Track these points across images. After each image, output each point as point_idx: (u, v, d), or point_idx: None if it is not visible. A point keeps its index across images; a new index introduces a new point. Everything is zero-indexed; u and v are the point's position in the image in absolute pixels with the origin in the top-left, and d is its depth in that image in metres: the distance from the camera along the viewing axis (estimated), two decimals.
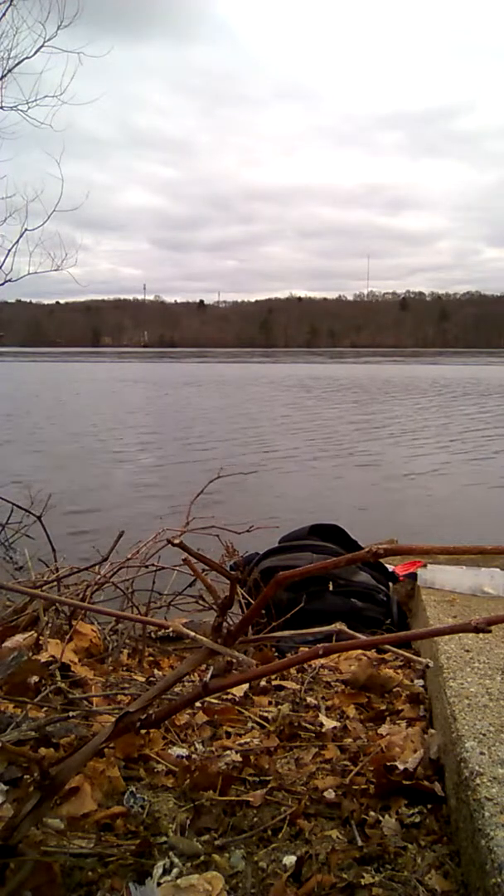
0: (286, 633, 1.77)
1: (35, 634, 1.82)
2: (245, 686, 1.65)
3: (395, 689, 1.67)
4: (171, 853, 1.01)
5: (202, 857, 1.01)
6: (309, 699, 1.61)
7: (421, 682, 1.70)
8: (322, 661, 1.85)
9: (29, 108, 7.50)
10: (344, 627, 1.21)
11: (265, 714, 1.52)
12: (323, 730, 1.43)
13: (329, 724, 1.46)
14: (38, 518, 3.10)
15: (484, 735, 1.13)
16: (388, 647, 1.49)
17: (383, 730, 1.43)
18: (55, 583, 2.28)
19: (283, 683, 1.73)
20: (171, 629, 1.15)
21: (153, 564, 2.36)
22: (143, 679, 1.72)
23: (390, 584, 2.48)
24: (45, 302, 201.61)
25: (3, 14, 7.31)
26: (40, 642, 1.78)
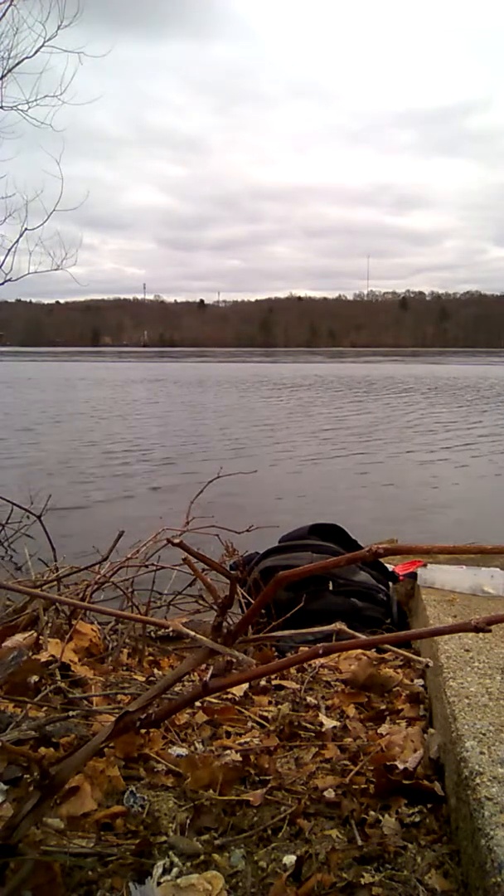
0: (286, 632, 1.78)
1: (35, 634, 1.82)
2: (245, 686, 1.65)
3: (395, 689, 1.67)
4: (170, 852, 1.01)
5: (202, 857, 1.01)
6: (309, 699, 1.61)
7: (421, 681, 1.70)
8: (322, 660, 1.85)
9: (29, 107, 7.52)
10: (344, 627, 1.21)
11: (265, 714, 1.52)
12: (323, 729, 1.43)
13: (329, 723, 1.46)
14: (38, 518, 3.11)
15: (484, 734, 1.13)
16: (388, 646, 1.49)
17: (383, 729, 1.43)
18: (55, 582, 2.29)
19: (283, 683, 1.73)
20: (171, 629, 1.15)
21: (153, 564, 2.37)
22: (143, 679, 1.72)
23: (390, 583, 2.48)
24: (45, 301, 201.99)
25: (4, 14, 7.32)
26: (40, 642, 1.78)
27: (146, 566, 2.35)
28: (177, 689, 1.51)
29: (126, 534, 2.20)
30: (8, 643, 1.75)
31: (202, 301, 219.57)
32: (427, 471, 8.66)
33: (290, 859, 1.01)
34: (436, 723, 1.41)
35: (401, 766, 1.21)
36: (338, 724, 1.47)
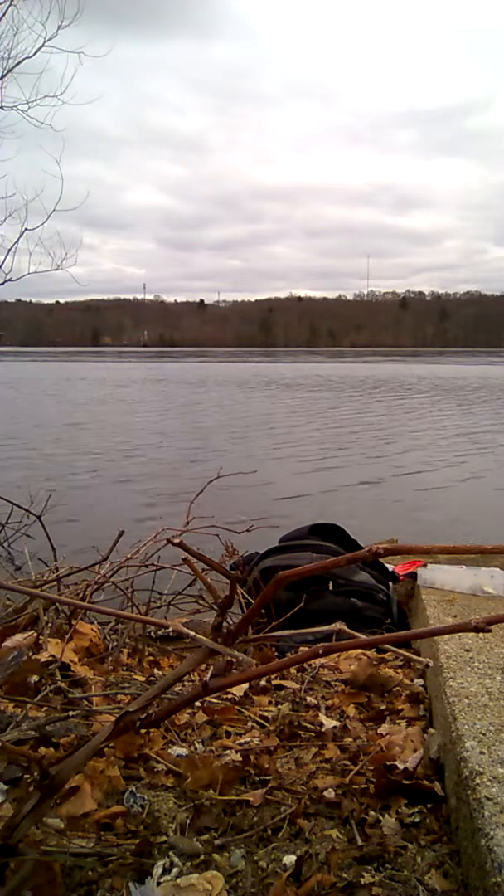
0: (286, 632, 1.78)
1: (35, 634, 1.82)
2: (245, 686, 1.65)
3: (394, 689, 1.67)
4: (170, 852, 1.01)
5: (202, 857, 1.01)
6: (309, 699, 1.61)
7: (421, 681, 1.70)
8: (322, 660, 1.85)
9: (29, 107, 7.54)
10: (344, 627, 1.21)
11: (265, 714, 1.52)
12: (323, 729, 1.43)
13: (329, 723, 1.46)
14: (38, 518, 3.11)
15: (484, 734, 1.13)
16: (387, 646, 1.49)
17: (383, 729, 1.43)
18: (55, 582, 2.29)
19: (283, 683, 1.73)
20: (170, 629, 1.15)
21: (153, 564, 2.37)
22: (143, 679, 1.72)
23: (390, 583, 2.48)
24: (45, 301, 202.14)
25: (4, 14, 7.33)
26: (40, 642, 1.78)
27: (146, 566, 2.35)
28: (177, 689, 1.51)
29: (126, 534, 2.20)
30: (8, 643, 1.75)
31: (202, 301, 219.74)
32: (429, 471, 8.66)
33: (290, 859, 1.01)
34: (436, 723, 1.41)
35: (401, 766, 1.21)
36: (338, 724, 1.47)
